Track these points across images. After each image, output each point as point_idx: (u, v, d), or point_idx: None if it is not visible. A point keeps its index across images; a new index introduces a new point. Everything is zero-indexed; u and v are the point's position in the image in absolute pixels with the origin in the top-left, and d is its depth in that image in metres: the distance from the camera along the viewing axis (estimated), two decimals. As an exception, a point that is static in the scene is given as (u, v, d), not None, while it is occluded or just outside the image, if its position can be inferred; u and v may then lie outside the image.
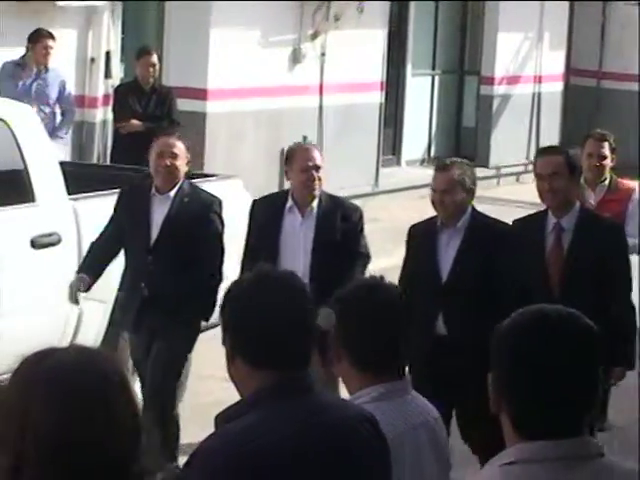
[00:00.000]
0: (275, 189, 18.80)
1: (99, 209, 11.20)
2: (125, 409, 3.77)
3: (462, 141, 25.11)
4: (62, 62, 16.26)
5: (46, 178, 11.25)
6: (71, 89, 16.18)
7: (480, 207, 10.86)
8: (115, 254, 9.98)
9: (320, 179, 9.50)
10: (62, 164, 11.80)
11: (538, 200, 10.09)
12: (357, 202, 19.41)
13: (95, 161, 16.89)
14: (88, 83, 17.74)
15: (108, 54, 17.89)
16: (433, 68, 24.49)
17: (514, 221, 9.62)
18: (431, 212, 10.28)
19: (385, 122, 22.58)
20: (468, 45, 25.07)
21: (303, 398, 4.58)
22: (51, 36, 15.58)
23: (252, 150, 18.77)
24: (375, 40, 21.72)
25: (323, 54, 20.55)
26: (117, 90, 17.03)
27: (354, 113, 21.30)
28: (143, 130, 15.96)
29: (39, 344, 6.31)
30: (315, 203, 9.53)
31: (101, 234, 10.05)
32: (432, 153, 24.46)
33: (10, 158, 11.11)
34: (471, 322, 8.31)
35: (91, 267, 10.09)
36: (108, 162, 16.42)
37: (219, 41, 19.16)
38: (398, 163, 23.31)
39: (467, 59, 25.25)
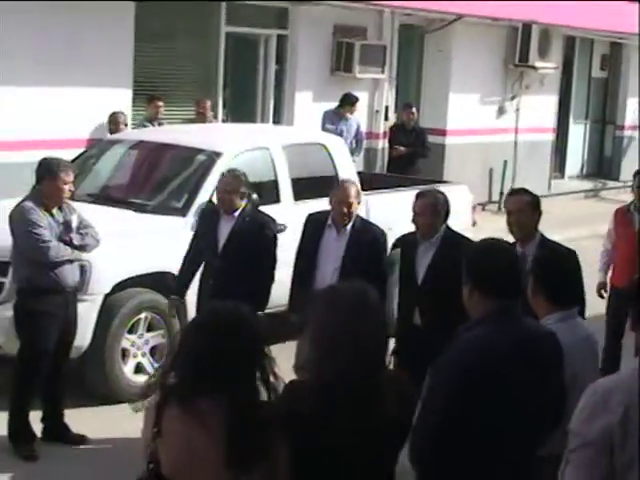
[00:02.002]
0: (485, 197, 19.39)
1: (383, 201, 11.48)
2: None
3: (603, 164, 24.44)
4: (360, 111, 16.38)
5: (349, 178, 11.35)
6: (363, 128, 16.29)
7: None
8: (199, 264, 8.67)
9: (350, 212, 8.22)
10: (359, 173, 11.76)
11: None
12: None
13: (378, 171, 16.83)
14: (374, 124, 17.80)
15: (387, 107, 17.98)
16: (586, 118, 23.94)
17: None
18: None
19: (555, 152, 22.20)
20: (609, 103, 24.39)
21: (514, 319, 4.43)
22: (356, 99, 15.86)
23: (472, 168, 18.49)
24: (550, 100, 21.47)
25: (517, 109, 20.38)
26: (391, 129, 17.14)
27: (536, 146, 21.02)
28: (405, 153, 16.47)
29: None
30: (349, 225, 8.28)
31: (187, 251, 8.74)
32: (584, 171, 24.05)
33: (327, 168, 11.18)
34: (439, 315, 7.07)
35: (180, 288, 8.77)
36: (385, 172, 16.50)
37: (454, 99, 19.07)
38: (562, 177, 22.89)
39: (607, 112, 24.47)
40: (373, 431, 3.96)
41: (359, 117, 16.36)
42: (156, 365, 8.97)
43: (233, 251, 8.39)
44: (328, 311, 4.06)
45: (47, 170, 8.02)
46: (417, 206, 7.71)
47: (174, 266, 8.80)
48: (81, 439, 8.31)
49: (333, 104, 15.90)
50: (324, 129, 14.70)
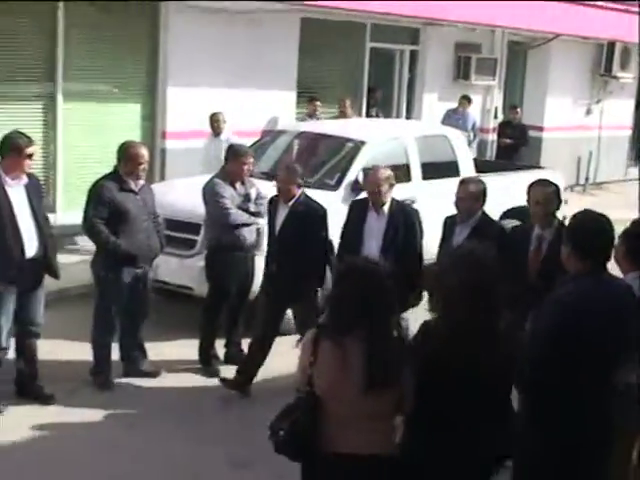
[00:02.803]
0: (574, 180, 18.97)
1: (493, 182, 10.23)
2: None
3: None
4: (474, 110, 16.30)
5: (466, 165, 11.15)
6: (477, 123, 16.10)
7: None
8: None
9: (379, 192, 7.39)
10: (473, 159, 11.67)
11: None
12: (615, 185, 19.82)
13: (488, 158, 16.61)
14: (486, 121, 17.53)
15: (496, 108, 17.76)
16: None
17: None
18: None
19: (631, 145, 21.64)
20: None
21: (602, 277, 4.34)
22: (471, 100, 15.79)
23: (563, 157, 18.09)
24: (628, 104, 20.93)
25: (602, 110, 19.94)
26: (500, 125, 17.07)
27: (615, 140, 20.54)
28: (511, 144, 16.48)
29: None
30: (386, 207, 7.46)
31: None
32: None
33: (449, 155, 11.10)
34: None
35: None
36: (494, 159, 16.42)
37: (550, 102, 18.76)
38: (636, 165, 21.80)
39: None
40: (490, 362, 3.93)
41: (474, 115, 16.25)
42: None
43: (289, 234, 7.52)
44: (454, 267, 4.03)
45: (232, 153, 8.10)
46: (460, 191, 7.21)
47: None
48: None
49: (454, 104, 15.93)
50: (446, 124, 14.50)
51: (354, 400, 3.78)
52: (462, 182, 7.38)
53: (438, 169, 10.73)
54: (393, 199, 7.56)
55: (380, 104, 15.83)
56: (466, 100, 15.83)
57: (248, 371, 7.59)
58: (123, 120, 12.36)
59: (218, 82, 13.01)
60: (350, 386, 3.76)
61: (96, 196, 7.29)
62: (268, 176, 9.44)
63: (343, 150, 10.38)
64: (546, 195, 6.70)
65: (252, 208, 8.09)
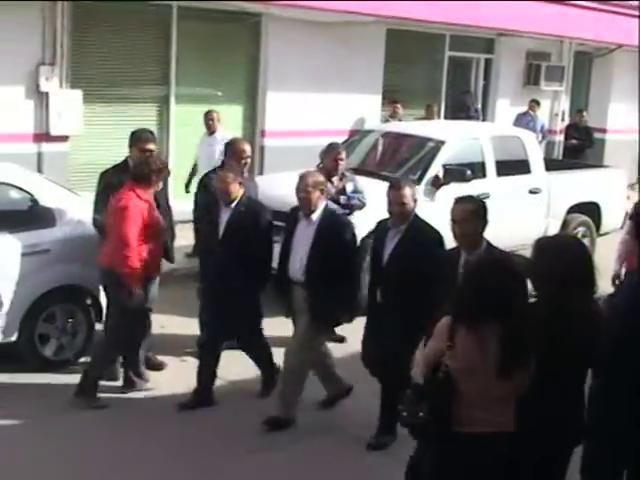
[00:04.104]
0: (634, 179, 18.54)
1: (561, 179, 11.04)
2: None
3: None
4: (543, 114, 16.08)
5: (537, 164, 10.87)
6: (546, 126, 15.90)
7: None
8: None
9: (309, 200, 6.08)
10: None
11: None
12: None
13: (556, 157, 16.30)
14: (553, 124, 17.28)
15: (563, 111, 17.50)
16: None
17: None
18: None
19: None
20: None
21: None
22: (539, 103, 15.62)
23: (625, 157, 16.92)
24: None
25: None
26: (567, 127, 16.68)
27: None
28: (577, 145, 15.96)
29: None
30: (316, 215, 6.14)
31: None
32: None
33: (521, 154, 10.74)
34: (399, 294, 5.58)
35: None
36: (562, 158, 15.99)
37: (613, 106, 18.46)
38: None
39: None
40: (578, 342, 3.86)
41: (542, 118, 16.03)
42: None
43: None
44: (555, 256, 3.99)
45: (327, 150, 8.16)
46: (395, 197, 5.78)
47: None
48: None
49: (524, 109, 15.74)
50: (516, 126, 14.28)
51: (487, 382, 3.74)
52: (391, 186, 5.91)
53: (511, 167, 10.58)
54: (327, 208, 6.24)
55: (472, 106, 15.62)
56: (535, 103, 15.61)
57: None
58: (227, 120, 12.46)
59: (310, 87, 13.08)
60: (486, 369, 3.72)
61: (202, 187, 7.45)
62: (356, 171, 9.47)
63: (424, 149, 10.30)
64: (465, 214, 5.12)
65: (342, 201, 8.03)
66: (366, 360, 6.03)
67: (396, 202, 5.76)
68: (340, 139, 10.83)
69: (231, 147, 7.40)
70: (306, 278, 6.14)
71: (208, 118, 10.75)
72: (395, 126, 12.03)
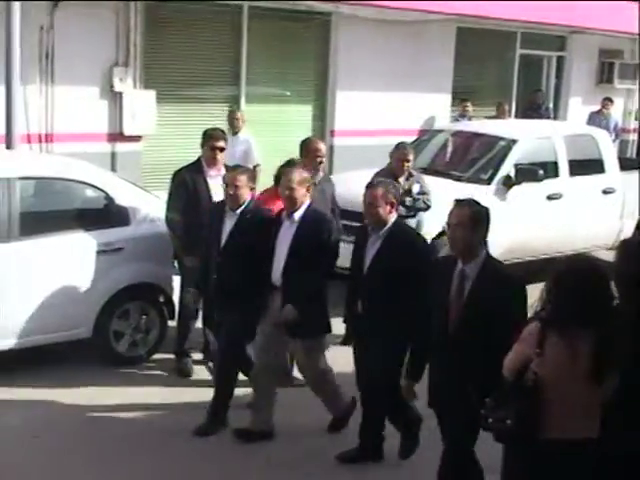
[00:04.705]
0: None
1: (634, 178, 10.56)
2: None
3: None
4: (616, 112, 15.78)
5: (611, 163, 10.64)
6: (619, 124, 15.59)
7: None
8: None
9: (292, 197, 5.72)
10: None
11: None
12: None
13: (629, 156, 15.81)
14: (627, 122, 16.91)
15: (637, 110, 17.05)
16: None
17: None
18: None
19: None
20: None
21: None
22: (612, 101, 15.45)
23: None
24: None
25: None
26: None
27: None
28: None
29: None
30: (298, 213, 5.75)
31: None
32: None
33: (594, 153, 10.61)
34: (381, 305, 5.29)
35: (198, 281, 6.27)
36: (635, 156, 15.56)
37: None
38: None
39: None
40: None
41: (616, 116, 15.77)
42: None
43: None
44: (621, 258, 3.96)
45: (394, 150, 8.14)
46: (369, 197, 5.44)
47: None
48: None
49: (597, 107, 15.50)
50: (589, 125, 14.05)
51: (576, 388, 3.70)
52: (369, 186, 5.54)
53: (584, 166, 10.43)
54: (311, 207, 5.87)
55: (543, 105, 15.39)
56: (609, 101, 15.37)
57: None
58: (297, 120, 12.56)
59: (380, 86, 13.05)
60: (575, 376, 3.68)
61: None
62: (425, 171, 9.41)
63: (496, 148, 10.18)
64: (459, 217, 4.51)
65: (407, 202, 7.98)
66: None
67: (366, 202, 5.41)
68: (410, 139, 10.77)
69: (305, 146, 7.35)
70: (283, 282, 5.72)
71: (233, 117, 10.28)
72: (465, 125, 11.93)
